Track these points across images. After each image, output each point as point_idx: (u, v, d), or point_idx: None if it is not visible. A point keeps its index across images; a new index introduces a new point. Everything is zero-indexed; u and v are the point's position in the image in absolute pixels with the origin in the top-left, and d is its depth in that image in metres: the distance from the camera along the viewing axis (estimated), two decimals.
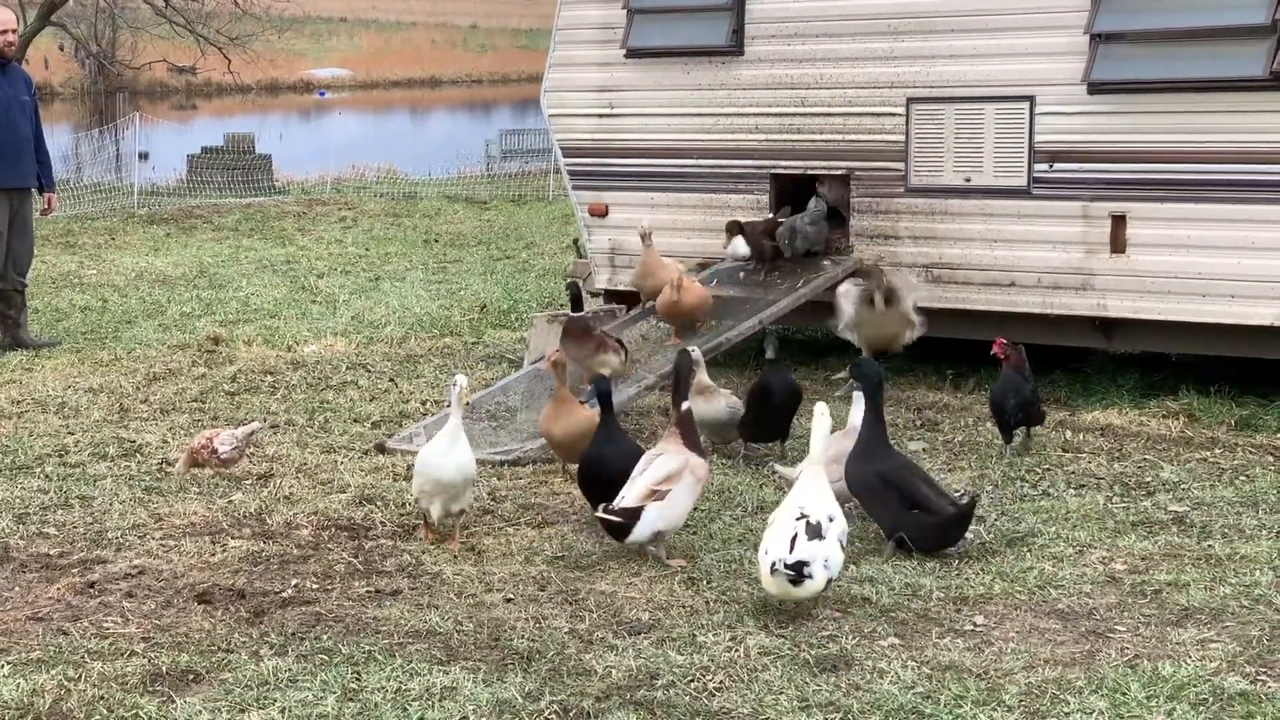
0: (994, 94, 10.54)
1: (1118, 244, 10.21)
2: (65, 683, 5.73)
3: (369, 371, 11.48)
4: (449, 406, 7.55)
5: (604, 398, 7.72)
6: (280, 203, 25.87)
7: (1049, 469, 8.78)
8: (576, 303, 9.76)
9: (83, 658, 5.99)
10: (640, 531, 7.00)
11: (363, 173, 30.91)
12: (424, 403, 10.41)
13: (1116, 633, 6.30)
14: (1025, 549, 7.35)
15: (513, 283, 16.22)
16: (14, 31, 13.04)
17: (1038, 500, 8.15)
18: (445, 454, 7.34)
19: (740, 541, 7.47)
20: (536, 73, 14.30)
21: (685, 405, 7.41)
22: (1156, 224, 10.09)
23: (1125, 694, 5.61)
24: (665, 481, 7.06)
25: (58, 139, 30.41)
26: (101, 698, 5.60)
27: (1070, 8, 10.22)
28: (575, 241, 13.06)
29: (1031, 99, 10.39)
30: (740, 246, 11.07)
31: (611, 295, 12.19)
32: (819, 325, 12.28)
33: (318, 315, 14.26)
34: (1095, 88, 10.16)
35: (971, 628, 6.36)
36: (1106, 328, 10.48)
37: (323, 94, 71.58)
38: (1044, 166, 10.41)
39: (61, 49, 55.08)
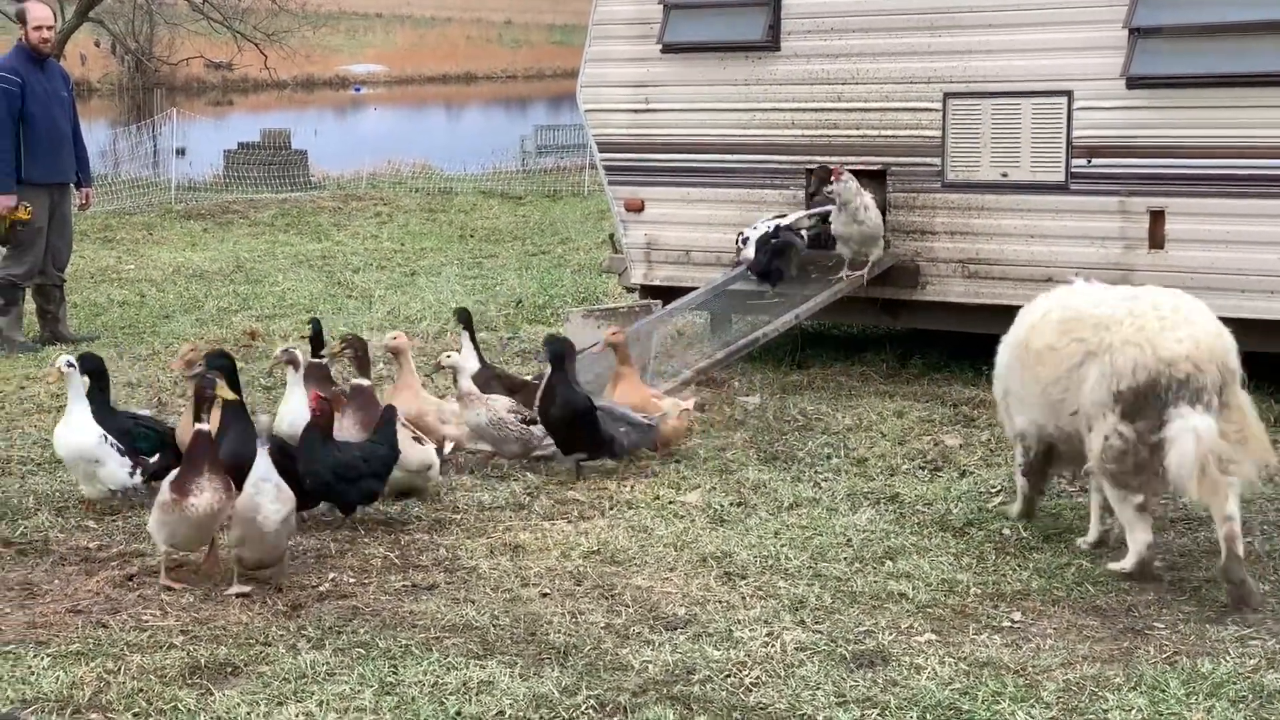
0: (1031, 89, 10.50)
1: (1156, 239, 10.16)
2: (105, 675, 5.76)
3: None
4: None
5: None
6: (316, 198, 25.93)
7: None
8: (317, 342, 9.04)
9: (122, 650, 6.02)
10: None
11: (398, 168, 30.95)
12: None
13: (1155, 630, 6.28)
14: (1063, 545, 7.33)
15: (548, 278, 16.23)
16: (51, 28, 13.10)
17: (1075, 496, 8.12)
18: (62, 433, 7.82)
19: (776, 536, 7.46)
20: (571, 68, 14.30)
21: (196, 427, 6.93)
22: (1195, 219, 10.04)
23: (1164, 691, 5.59)
24: None
25: (95, 135, 30.59)
26: (140, 690, 5.63)
27: (1109, 2, 10.17)
28: (611, 237, 13.05)
29: (1069, 94, 10.35)
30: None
31: (647, 290, 12.18)
32: (855, 320, 12.28)
33: (353, 310, 14.30)
34: (1134, 82, 10.11)
35: (1009, 624, 6.34)
36: None
37: (358, 90, 71.77)
38: (1082, 161, 10.37)
39: (98, 45, 55.39)
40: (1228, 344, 6.72)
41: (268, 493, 6.74)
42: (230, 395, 7.27)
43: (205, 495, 6.71)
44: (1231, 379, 6.68)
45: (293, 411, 8.11)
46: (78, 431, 7.72)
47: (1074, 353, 6.87)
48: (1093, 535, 7.32)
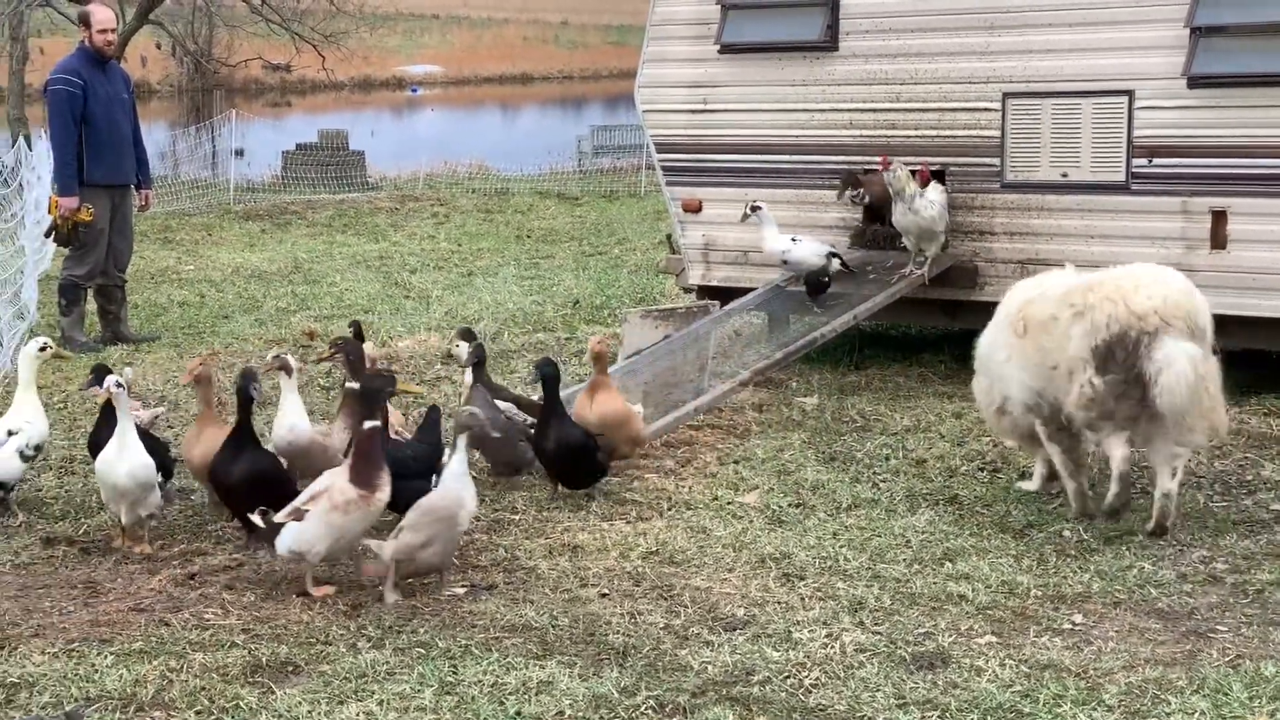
0: (1092, 88, 10.43)
1: (1218, 240, 10.08)
2: (167, 673, 5.80)
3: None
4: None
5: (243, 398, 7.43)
6: (373, 199, 26.05)
7: (1148, 467, 8.67)
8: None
9: (184, 648, 6.06)
10: (279, 546, 6.72)
11: (455, 169, 31.04)
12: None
13: (1218, 632, 6.23)
14: (1124, 547, 7.29)
15: (605, 278, 16.25)
16: (114, 30, 13.20)
17: (1137, 498, 8.06)
18: (117, 459, 7.24)
19: (835, 537, 7.45)
20: (627, 69, 14.29)
21: (366, 425, 6.83)
22: (1258, 219, 9.95)
23: (1227, 694, 5.55)
24: (308, 502, 6.75)
25: (155, 136, 30.82)
26: (203, 688, 5.67)
27: (1170, 1, 10.09)
28: (668, 237, 13.05)
29: (1130, 93, 10.28)
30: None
31: (705, 291, 12.16)
32: (913, 321, 12.24)
33: (411, 310, 14.35)
34: (1196, 82, 10.03)
35: (1070, 626, 6.31)
36: None
37: (415, 90, 72.02)
38: (1143, 161, 10.30)
39: (159, 47, 55.82)
40: (1197, 303, 7.50)
41: (469, 487, 6.77)
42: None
43: (386, 490, 6.74)
44: (1201, 337, 7.42)
45: (289, 417, 7.84)
46: (138, 454, 7.26)
47: (1068, 318, 7.60)
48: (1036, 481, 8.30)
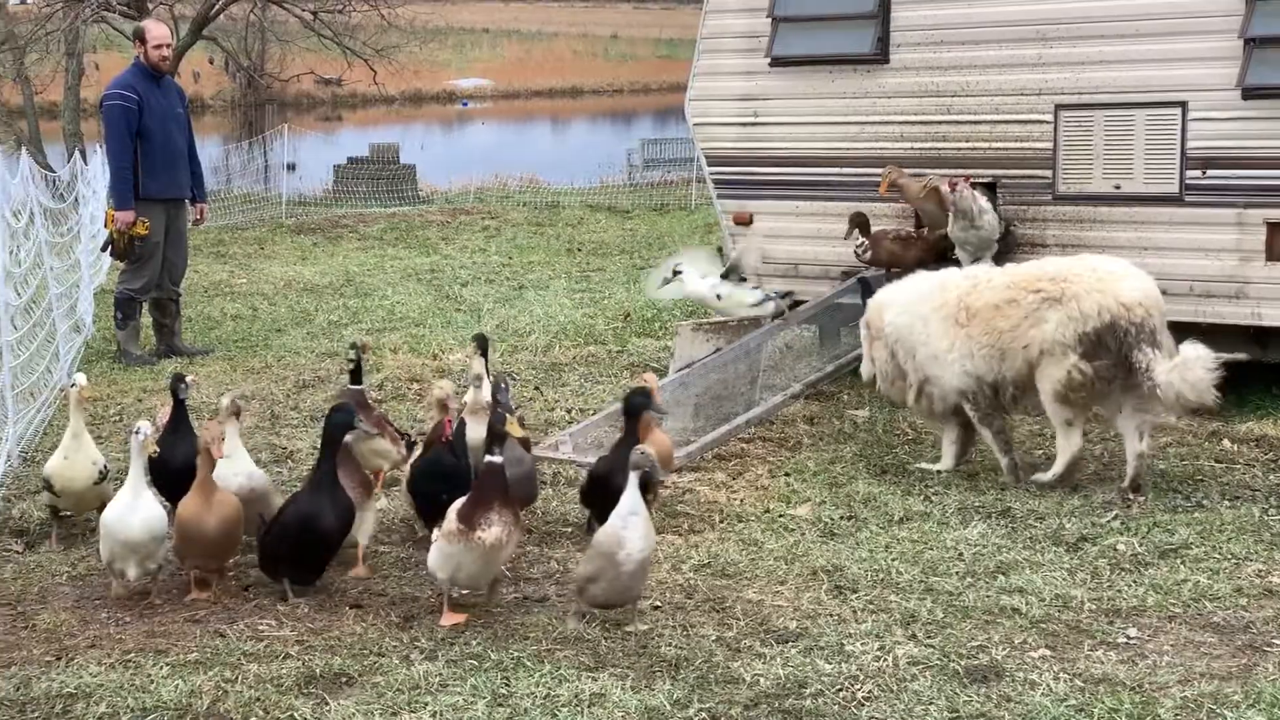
0: (1145, 100, 10.38)
1: (1273, 251, 10.01)
2: (222, 684, 5.83)
3: (514, 380, 11.55)
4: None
5: None
6: (424, 212, 26.17)
7: (1202, 480, 8.64)
8: (356, 371, 8.47)
9: (239, 659, 6.10)
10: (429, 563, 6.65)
11: (505, 182, 31.16)
12: (569, 410, 10.47)
13: (1274, 646, 6.19)
14: (1179, 561, 7.24)
15: None
16: (169, 46, 13.31)
17: (1191, 512, 8.02)
18: (129, 511, 6.77)
19: (886, 550, 7.44)
20: (677, 82, 14.29)
21: (487, 459, 6.57)
22: None
23: None
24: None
25: (208, 151, 31.05)
26: (257, 699, 5.70)
27: (1223, 12, 10.04)
28: (719, 250, 13.05)
29: (1184, 105, 10.23)
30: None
31: None
32: None
33: (462, 323, 14.39)
34: (1250, 92, 9.97)
35: (1125, 640, 6.28)
36: (1261, 337, 10.27)
37: (465, 104, 72.25)
38: (1196, 173, 10.24)
39: (212, 62, 56.20)
40: (1159, 295, 8.32)
41: (635, 527, 6.48)
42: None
43: (494, 529, 6.44)
44: (1164, 325, 8.21)
45: (243, 464, 7.44)
46: (152, 506, 6.84)
47: (1033, 302, 8.30)
48: (948, 461, 8.97)
